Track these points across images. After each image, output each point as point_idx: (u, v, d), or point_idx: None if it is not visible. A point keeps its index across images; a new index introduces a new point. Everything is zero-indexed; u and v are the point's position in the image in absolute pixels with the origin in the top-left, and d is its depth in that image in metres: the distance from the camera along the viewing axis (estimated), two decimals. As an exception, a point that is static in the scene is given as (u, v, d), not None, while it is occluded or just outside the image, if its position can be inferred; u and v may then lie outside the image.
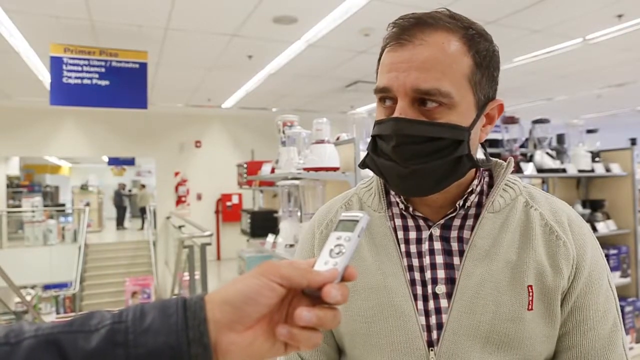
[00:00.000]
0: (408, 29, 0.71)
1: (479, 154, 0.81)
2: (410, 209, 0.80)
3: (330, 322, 0.47)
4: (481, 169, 0.82)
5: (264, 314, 0.47)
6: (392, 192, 0.84)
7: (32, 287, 7.11)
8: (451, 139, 0.71)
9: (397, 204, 0.82)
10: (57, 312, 7.00)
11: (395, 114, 0.71)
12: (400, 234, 0.81)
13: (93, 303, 8.10)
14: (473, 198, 0.79)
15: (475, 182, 0.79)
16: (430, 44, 0.70)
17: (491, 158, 0.84)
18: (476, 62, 0.72)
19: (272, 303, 0.46)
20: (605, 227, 3.16)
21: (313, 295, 0.48)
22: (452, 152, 0.72)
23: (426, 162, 0.71)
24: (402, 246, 0.80)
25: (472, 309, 0.72)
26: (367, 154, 0.80)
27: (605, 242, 3.26)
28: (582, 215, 3.23)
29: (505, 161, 0.83)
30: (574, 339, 0.74)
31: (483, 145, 0.85)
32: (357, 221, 0.53)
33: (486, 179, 0.82)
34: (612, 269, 3.10)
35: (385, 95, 0.74)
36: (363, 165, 0.81)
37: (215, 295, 0.47)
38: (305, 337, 0.46)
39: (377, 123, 0.76)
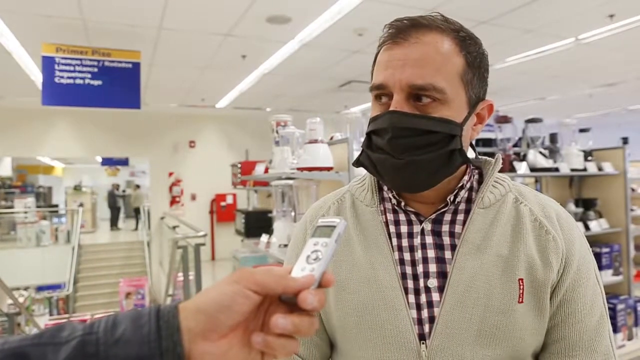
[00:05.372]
0: (404, 30, 0.74)
1: (470, 154, 0.83)
2: (402, 204, 0.82)
3: (307, 329, 0.46)
4: (471, 166, 0.84)
5: (239, 322, 0.46)
6: (385, 188, 0.85)
7: (25, 289, 7.07)
8: (444, 132, 0.73)
9: (390, 199, 0.84)
10: (51, 314, 6.96)
11: (391, 108, 0.73)
12: (392, 228, 0.82)
13: (87, 304, 8.05)
14: (463, 193, 0.81)
15: (466, 177, 0.81)
16: (424, 42, 0.73)
17: (481, 157, 0.87)
18: (468, 62, 0.75)
19: (247, 311, 0.45)
20: (597, 225, 3.17)
21: (290, 302, 0.47)
22: (445, 145, 0.74)
23: (420, 154, 0.73)
24: (394, 240, 0.81)
25: (464, 302, 0.73)
26: (362, 151, 0.81)
27: (598, 241, 3.28)
28: (575, 214, 3.26)
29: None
30: (562, 331, 0.76)
31: (473, 145, 0.87)
32: (334, 227, 0.52)
33: (476, 176, 0.85)
34: (605, 267, 3.12)
35: (381, 92, 0.76)
36: (357, 163, 0.82)
37: (189, 304, 0.46)
38: (281, 344, 0.46)
39: (373, 119, 0.77)
